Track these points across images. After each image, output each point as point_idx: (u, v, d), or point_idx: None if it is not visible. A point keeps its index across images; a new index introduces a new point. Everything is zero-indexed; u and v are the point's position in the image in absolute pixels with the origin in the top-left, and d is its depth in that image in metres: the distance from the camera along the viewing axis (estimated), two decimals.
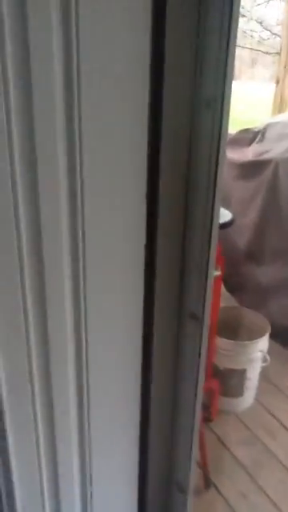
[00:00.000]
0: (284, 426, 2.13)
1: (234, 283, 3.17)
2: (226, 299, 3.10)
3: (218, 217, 0.99)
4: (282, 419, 2.17)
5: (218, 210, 0.99)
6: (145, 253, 0.98)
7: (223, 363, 2.09)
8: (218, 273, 1.82)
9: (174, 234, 1.01)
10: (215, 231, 1.00)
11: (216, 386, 2.08)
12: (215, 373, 2.09)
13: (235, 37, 0.84)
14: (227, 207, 2.92)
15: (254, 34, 9.59)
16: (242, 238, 2.86)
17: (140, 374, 1.10)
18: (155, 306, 1.07)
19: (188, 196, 0.99)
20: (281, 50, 3.59)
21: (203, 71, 0.89)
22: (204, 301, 1.04)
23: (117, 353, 1.01)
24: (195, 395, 1.12)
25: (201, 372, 1.09)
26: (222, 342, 2.04)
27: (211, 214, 0.97)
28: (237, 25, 0.84)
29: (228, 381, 2.13)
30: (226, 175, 3.03)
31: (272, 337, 2.55)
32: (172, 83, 0.88)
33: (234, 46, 0.85)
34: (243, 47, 10.08)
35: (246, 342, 2.05)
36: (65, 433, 0.98)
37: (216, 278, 1.83)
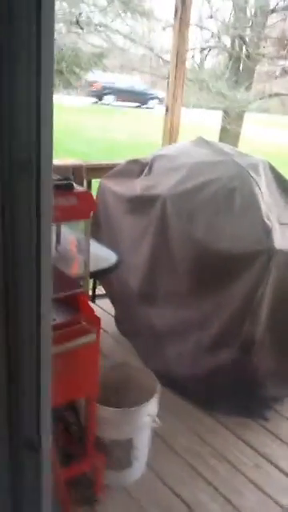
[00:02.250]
0: (179, 497, 1.90)
1: (127, 325, 2.95)
2: (120, 343, 2.87)
3: (49, 313, 0.72)
4: (176, 489, 1.94)
5: (49, 305, 0.72)
6: None
7: (107, 434, 1.82)
8: (92, 336, 1.55)
9: None
10: (46, 331, 0.73)
11: (101, 461, 1.80)
12: (98, 445, 1.81)
13: (50, 84, 0.59)
14: (117, 244, 2.71)
15: (153, 59, 9.66)
16: (134, 278, 2.65)
17: None
18: None
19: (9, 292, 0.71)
20: (169, 77, 3.49)
21: (13, 127, 0.62)
22: (39, 426, 0.76)
23: None
24: None
25: None
26: (103, 411, 1.77)
27: (37, 310, 0.70)
28: (51, 72, 0.58)
29: (114, 452, 1.86)
30: (115, 210, 2.82)
31: (167, 386, 2.36)
32: None
33: (50, 94, 0.59)
34: (143, 72, 10.19)
35: (132, 409, 1.80)
36: None
37: (92, 343, 1.56)
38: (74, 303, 1.61)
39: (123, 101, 16.94)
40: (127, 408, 1.79)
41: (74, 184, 1.49)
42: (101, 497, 1.84)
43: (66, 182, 1.46)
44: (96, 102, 16.72)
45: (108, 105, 16.63)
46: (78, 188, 1.51)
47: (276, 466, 2.10)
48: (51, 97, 0.59)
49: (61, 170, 2.85)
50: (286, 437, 2.28)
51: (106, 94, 16.70)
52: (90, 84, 15.52)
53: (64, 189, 1.45)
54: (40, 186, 0.62)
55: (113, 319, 3.04)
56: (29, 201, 0.63)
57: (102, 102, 16.72)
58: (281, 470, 2.08)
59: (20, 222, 0.67)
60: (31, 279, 0.69)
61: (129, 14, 7.62)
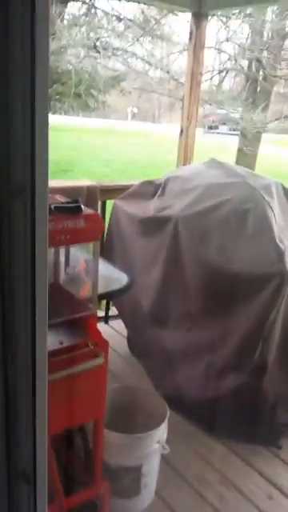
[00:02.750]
0: None
1: (139, 347, 2.92)
2: (131, 364, 2.84)
3: (44, 342, 0.71)
4: None
5: (44, 333, 0.71)
6: None
7: (114, 460, 1.78)
8: (100, 360, 1.53)
9: None
10: (42, 360, 0.72)
11: (106, 488, 1.76)
12: (105, 471, 1.77)
13: (45, 110, 0.59)
14: (131, 265, 2.70)
15: (171, 82, 9.75)
16: (146, 299, 2.63)
17: None
18: None
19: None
20: (183, 99, 3.52)
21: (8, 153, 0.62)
22: (35, 459, 0.74)
23: None
24: None
25: None
26: (111, 437, 1.74)
27: (32, 337, 0.69)
28: (46, 99, 0.58)
29: (121, 480, 1.82)
30: (128, 231, 2.83)
31: (177, 410, 2.31)
32: None
33: (45, 118, 0.59)
34: (160, 94, 10.29)
35: (141, 435, 1.76)
36: None
37: (99, 367, 1.54)
38: (83, 326, 1.59)
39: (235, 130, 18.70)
40: (136, 434, 1.76)
41: (83, 206, 1.49)
42: None
43: (74, 204, 1.46)
44: (212, 132, 18.66)
45: (219, 134, 18.29)
46: (86, 210, 1.51)
47: None
48: (46, 121, 0.59)
49: (74, 191, 2.88)
50: None
51: (222, 125, 18.35)
52: (206, 116, 17.42)
53: (72, 212, 1.45)
54: (35, 211, 0.61)
55: (125, 340, 3.01)
56: (24, 226, 0.63)
57: (217, 131, 18.50)
58: None
59: (16, 248, 0.67)
60: (26, 304, 0.69)
61: (147, 38, 7.76)
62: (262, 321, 2.04)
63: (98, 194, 2.96)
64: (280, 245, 2.07)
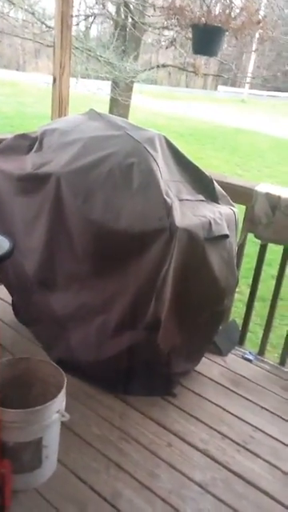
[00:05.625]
0: (94, 490, 1.83)
1: (26, 314, 2.77)
2: (19, 332, 2.70)
3: None
4: (90, 481, 1.86)
5: None
6: None
7: (13, 437, 1.68)
8: None
9: None
10: None
11: (7, 467, 1.66)
12: (4, 450, 1.66)
13: None
14: (9, 227, 2.49)
15: (35, 25, 9.04)
16: (30, 262, 2.47)
17: None
18: None
19: None
20: (54, 46, 3.25)
21: None
22: None
23: None
24: None
25: None
26: (6, 414, 1.63)
27: None
28: None
29: (21, 456, 1.73)
30: (4, 190, 2.59)
31: (73, 373, 2.26)
32: None
33: None
34: (24, 38, 9.48)
35: (38, 409, 1.67)
36: None
37: None
38: None
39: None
40: (33, 408, 1.67)
41: None
42: (9, 505, 1.71)
43: None
44: None
45: None
46: None
47: (186, 442, 2.11)
48: None
49: None
50: (193, 410, 2.30)
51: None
52: None
53: None
54: None
55: (10, 307, 2.84)
56: None
57: None
58: (191, 446, 2.10)
59: None
60: None
61: None
62: (154, 277, 2.03)
63: None
64: (167, 199, 2.05)
